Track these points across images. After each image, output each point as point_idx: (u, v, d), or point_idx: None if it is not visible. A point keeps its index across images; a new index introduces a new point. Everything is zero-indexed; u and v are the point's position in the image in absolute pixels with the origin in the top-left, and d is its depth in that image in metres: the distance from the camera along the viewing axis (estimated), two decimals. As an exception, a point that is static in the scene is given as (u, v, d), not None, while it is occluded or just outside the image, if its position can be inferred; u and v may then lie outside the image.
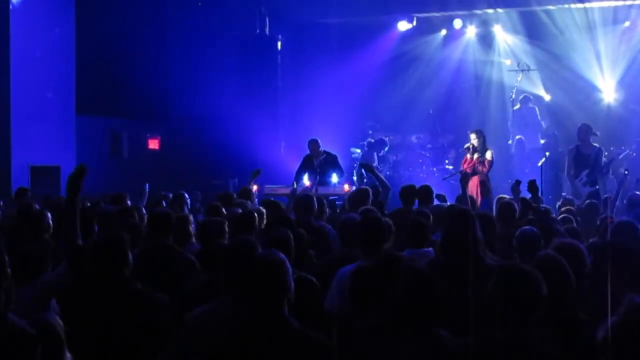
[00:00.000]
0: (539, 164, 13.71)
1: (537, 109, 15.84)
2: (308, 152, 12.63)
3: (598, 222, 7.65)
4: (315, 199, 7.62)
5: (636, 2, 15.51)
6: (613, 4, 15.58)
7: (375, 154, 14.83)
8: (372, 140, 15.16)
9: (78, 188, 5.00)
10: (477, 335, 3.51)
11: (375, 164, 14.78)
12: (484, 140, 11.81)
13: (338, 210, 9.08)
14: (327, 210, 8.30)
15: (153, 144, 16.25)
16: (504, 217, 7.12)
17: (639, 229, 5.58)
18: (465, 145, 12.04)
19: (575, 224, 7.21)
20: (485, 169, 11.57)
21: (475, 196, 10.59)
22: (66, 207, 5.12)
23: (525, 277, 3.42)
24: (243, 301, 3.72)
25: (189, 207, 9.16)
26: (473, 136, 11.85)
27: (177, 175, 14.51)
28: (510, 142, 15.77)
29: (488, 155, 11.69)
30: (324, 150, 12.66)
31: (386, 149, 15.33)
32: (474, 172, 11.56)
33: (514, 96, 15.52)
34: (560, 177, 14.23)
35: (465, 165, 11.76)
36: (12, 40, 12.52)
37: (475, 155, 11.69)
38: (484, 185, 11.34)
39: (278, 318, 3.35)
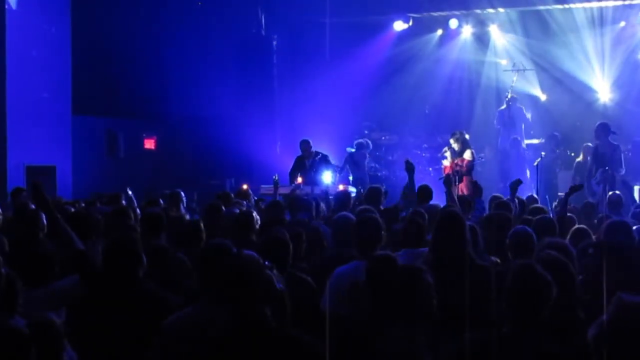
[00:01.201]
0: (535, 163, 13.73)
1: (523, 108, 15.87)
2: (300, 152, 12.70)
3: (595, 222, 7.68)
4: (311, 198, 7.66)
5: (631, 2, 15.54)
6: (609, 4, 15.61)
7: (367, 153, 14.80)
8: (363, 141, 15.10)
9: (44, 199, 4.98)
10: (472, 334, 3.52)
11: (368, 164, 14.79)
12: (463, 141, 11.85)
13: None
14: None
15: (149, 144, 16.25)
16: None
17: (632, 227, 5.61)
18: (443, 151, 12.08)
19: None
20: (463, 169, 11.60)
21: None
22: (47, 218, 5.12)
23: (539, 278, 3.46)
24: (219, 303, 3.71)
25: (185, 205, 9.15)
26: (452, 140, 11.91)
27: (173, 175, 14.53)
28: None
29: (467, 155, 11.73)
30: (316, 151, 12.68)
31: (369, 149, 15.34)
32: (460, 176, 11.61)
33: (509, 96, 15.53)
34: (557, 177, 14.28)
35: (447, 172, 11.82)
36: (8, 40, 12.50)
37: (451, 159, 11.77)
38: (476, 185, 11.34)
39: (259, 319, 3.33)
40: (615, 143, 12.12)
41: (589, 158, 12.90)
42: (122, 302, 4.22)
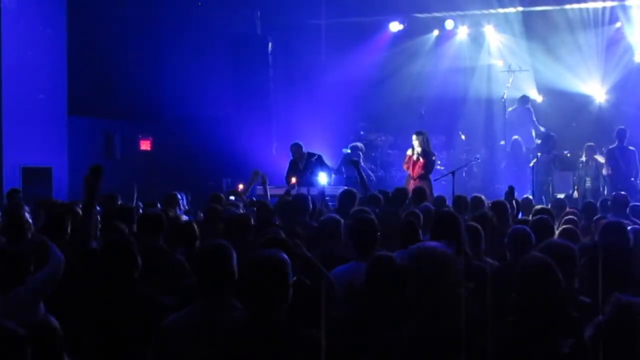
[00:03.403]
0: (531, 164, 13.75)
1: (532, 109, 15.87)
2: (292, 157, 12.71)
3: (592, 224, 7.68)
4: (310, 199, 7.67)
5: (627, 3, 15.59)
6: (605, 4, 15.65)
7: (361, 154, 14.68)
8: (358, 144, 14.97)
9: (96, 188, 4.96)
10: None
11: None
12: (424, 141, 11.97)
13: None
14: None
15: (145, 145, 16.21)
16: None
17: (627, 229, 5.62)
18: (413, 154, 12.17)
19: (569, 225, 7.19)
20: (420, 171, 11.74)
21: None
22: (83, 208, 5.08)
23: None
24: (220, 303, 3.72)
25: (185, 207, 9.14)
26: (414, 137, 12.05)
27: (169, 176, 14.49)
28: (502, 142, 15.78)
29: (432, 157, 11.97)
30: (309, 152, 12.67)
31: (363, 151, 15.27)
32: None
33: (505, 97, 15.53)
34: (554, 177, 14.30)
35: (405, 167, 12.15)
36: (4, 40, 12.48)
37: (415, 156, 11.90)
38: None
39: (276, 319, 3.32)
40: (631, 148, 12.79)
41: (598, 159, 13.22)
42: (114, 303, 4.22)
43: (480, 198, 8.53)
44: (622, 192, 9.54)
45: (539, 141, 15.30)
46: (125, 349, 4.13)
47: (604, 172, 13.14)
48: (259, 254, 3.65)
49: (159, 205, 8.74)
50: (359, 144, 14.99)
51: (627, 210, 8.27)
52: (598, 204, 8.91)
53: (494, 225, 6.11)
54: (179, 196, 8.88)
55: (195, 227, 6.03)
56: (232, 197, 9.41)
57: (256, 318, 3.33)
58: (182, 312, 3.94)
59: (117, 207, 7.46)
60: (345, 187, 9.87)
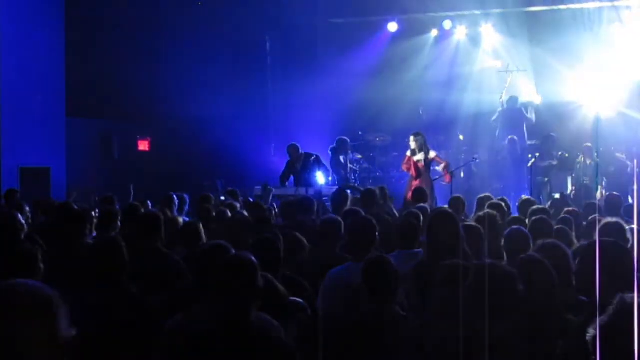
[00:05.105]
0: (529, 164, 13.75)
1: (523, 109, 15.85)
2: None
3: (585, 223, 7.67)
4: (314, 200, 7.68)
5: (627, 4, 15.59)
6: (604, 5, 15.65)
7: (341, 157, 14.36)
8: (335, 145, 14.82)
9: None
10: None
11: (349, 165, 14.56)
12: (422, 143, 12.04)
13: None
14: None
15: (143, 146, 16.22)
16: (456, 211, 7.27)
17: (626, 229, 5.61)
18: (408, 154, 12.25)
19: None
20: (449, 178, 11.88)
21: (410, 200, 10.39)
22: None
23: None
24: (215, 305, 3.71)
25: (186, 209, 9.15)
26: (412, 139, 12.12)
27: (167, 177, 14.50)
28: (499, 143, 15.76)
29: (432, 154, 12.03)
30: (306, 152, 12.67)
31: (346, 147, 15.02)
32: (419, 175, 11.90)
33: (504, 97, 15.53)
34: (552, 178, 14.30)
35: (405, 168, 12.28)
36: (2, 41, 12.49)
37: (416, 158, 11.93)
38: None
39: (245, 321, 3.30)
40: None
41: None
42: (103, 304, 4.19)
43: (484, 198, 8.50)
44: (616, 193, 9.54)
45: (531, 142, 15.33)
46: (116, 350, 4.11)
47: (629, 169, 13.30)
48: (229, 255, 3.64)
49: (149, 203, 8.75)
50: (344, 137, 14.83)
51: (621, 211, 8.27)
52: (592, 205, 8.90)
53: (494, 226, 6.10)
54: (175, 198, 8.85)
55: (202, 228, 6.01)
56: (222, 198, 9.41)
57: (226, 320, 3.31)
58: (184, 313, 3.94)
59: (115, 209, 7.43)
60: (337, 187, 9.86)
